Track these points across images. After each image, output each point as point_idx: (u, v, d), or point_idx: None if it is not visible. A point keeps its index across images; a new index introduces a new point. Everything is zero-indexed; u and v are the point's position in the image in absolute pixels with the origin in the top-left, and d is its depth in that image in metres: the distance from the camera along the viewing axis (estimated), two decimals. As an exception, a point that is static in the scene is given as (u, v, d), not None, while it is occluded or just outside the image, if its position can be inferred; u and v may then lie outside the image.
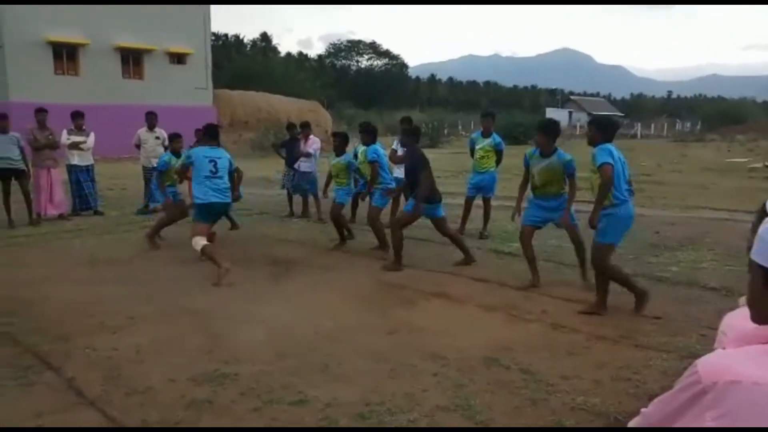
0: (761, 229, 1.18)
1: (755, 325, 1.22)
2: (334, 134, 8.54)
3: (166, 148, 10.93)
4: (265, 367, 3.94)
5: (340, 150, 8.01)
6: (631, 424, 1.35)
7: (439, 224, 6.83)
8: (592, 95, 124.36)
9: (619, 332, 4.63)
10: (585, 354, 4.22)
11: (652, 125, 57.05)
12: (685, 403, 1.19)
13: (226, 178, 6.62)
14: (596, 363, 4.05)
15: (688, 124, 58.77)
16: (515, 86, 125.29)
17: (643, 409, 1.34)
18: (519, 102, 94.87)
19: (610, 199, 4.89)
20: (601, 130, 5.12)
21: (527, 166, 6.01)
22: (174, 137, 8.70)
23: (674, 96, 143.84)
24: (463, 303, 5.42)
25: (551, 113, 69.73)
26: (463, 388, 3.65)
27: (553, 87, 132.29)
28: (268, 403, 3.44)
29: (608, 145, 4.97)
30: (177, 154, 8.35)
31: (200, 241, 6.37)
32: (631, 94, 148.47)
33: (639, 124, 54.44)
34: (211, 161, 6.46)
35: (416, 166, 6.56)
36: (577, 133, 53.37)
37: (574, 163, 5.86)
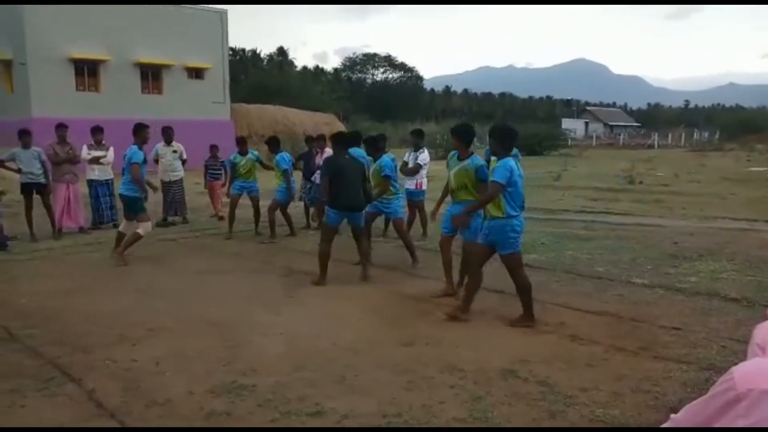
0: None
1: None
2: (362, 141, 8.60)
3: (184, 162, 11.09)
4: (282, 379, 3.96)
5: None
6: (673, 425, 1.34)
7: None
8: (608, 105, 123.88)
9: (638, 344, 4.59)
10: (604, 366, 4.19)
11: (669, 135, 56.62)
12: (718, 410, 1.17)
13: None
14: (615, 375, 4.01)
15: (706, 134, 58.24)
16: (530, 97, 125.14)
17: (672, 415, 1.33)
18: (534, 113, 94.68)
19: (503, 211, 5.01)
20: (502, 139, 5.21)
21: (448, 168, 6.10)
22: (241, 140, 10.22)
23: (691, 105, 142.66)
24: (480, 314, 5.40)
25: (567, 124, 69.56)
26: (481, 400, 3.63)
27: (569, 98, 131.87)
28: (285, 414, 3.45)
29: (510, 161, 5.04)
30: (244, 153, 9.80)
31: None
32: (648, 104, 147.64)
33: (656, 134, 54.05)
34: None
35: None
36: (593, 144, 53.15)
37: (485, 169, 5.82)
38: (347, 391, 3.79)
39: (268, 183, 10.48)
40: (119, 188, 7.83)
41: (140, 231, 7.59)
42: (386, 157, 7.64)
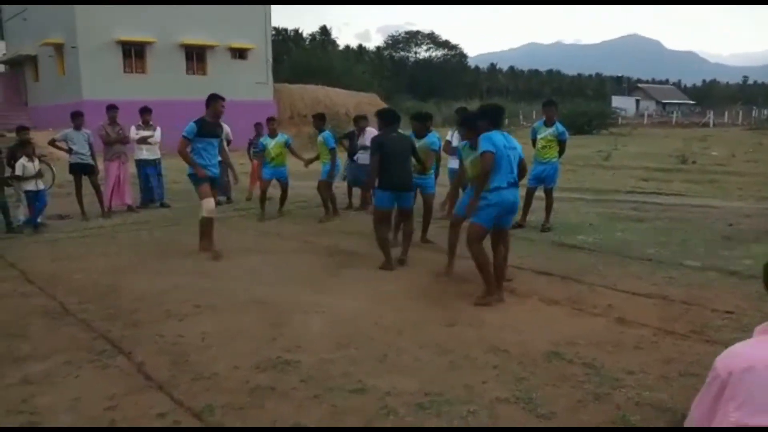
0: None
1: None
2: (412, 117, 8.54)
3: (229, 142, 11.22)
4: (325, 356, 3.99)
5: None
6: (685, 424, 1.37)
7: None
8: (660, 82, 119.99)
9: (688, 327, 4.46)
10: (652, 349, 4.08)
11: (726, 113, 54.50)
12: (712, 401, 1.22)
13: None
14: (664, 358, 3.91)
15: (766, 112, 55.83)
16: (579, 74, 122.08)
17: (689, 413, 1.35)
18: (582, 91, 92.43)
19: (487, 185, 4.98)
20: (486, 117, 5.27)
21: (534, 137, 5.94)
22: (270, 119, 9.86)
23: (750, 82, 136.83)
24: (525, 296, 5.33)
25: (617, 102, 67.64)
26: (524, 381, 3.59)
27: (619, 74, 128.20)
28: (328, 390, 3.49)
29: (490, 134, 5.02)
30: (274, 135, 9.53)
31: None
32: (703, 81, 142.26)
33: (711, 112, 52.09)
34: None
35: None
36: (645, 122, 51.63)
37: (461, 151, 5.81)
38: (389, 369, 3.80)
39: (293, 166, 10.37)
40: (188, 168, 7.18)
41: (204, 213, 7.06)
42: (432, 136, 7.54)
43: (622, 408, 3.25)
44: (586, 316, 4.78)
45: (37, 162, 8.84)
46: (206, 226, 7.09)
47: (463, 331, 4.47)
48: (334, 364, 3.87)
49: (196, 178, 6.99)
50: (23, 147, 8.76)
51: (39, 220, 8.76)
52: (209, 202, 6.98)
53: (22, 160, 8.56)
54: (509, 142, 5.11)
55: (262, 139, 9.78)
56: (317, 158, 9.70)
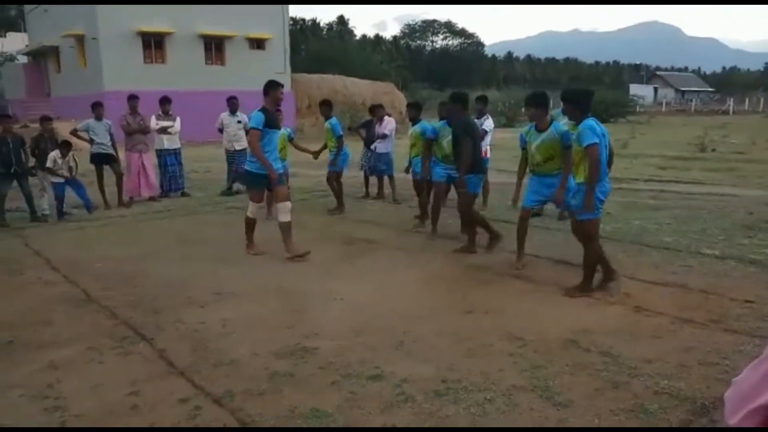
0: None
1: None
2: (409, 105, 8.69)
3: (247, 132, 11.28)
4: (343, 343, 4.04)
5: (414, 119, 8.23)
6: (727, 394, 1.32)
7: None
8: (680, 70, 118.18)
9: (707, 316, 4.44)
10: (670, 337, 4.08)
11: (747, 100, 53.58)
12: None
13: None
14: (682, 347, 3.90)
15: (788, 99, 54.82)
16: (597, 62, 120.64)
17: (734, 379, 1.31)
18: (600, 79, 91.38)
19: (586, 176, 4.76)
20: (575, 103, 4.93)
21: (524, 145, 5.80)
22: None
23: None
24: (542, 285, 5.33)
25: (635, 90, 66.72)
26: (541, 369, 3.61)
27: (638, 62, 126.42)
28: (346, 377, 3.53)
29: (591, 122, 4.79)
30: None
31: None
32: (724, 68, 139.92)
33: (732, 99, 51.25)
34: None
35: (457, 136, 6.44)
36: (663, 110, 50.97)
37: (570, 135, 5.58)
38: (406, 356, 3.83)
39: (296, 156, 10.11)
40: (247, 163, 6.63)
41: (282, 218, 6.39)
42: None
43: (639, 396, 3.25)
44: (603, 305, 4.77)
45: (70, 156, 8.94)
46: (251, 224, 6.74)
47: (480, 319, 4.49)
48: (352, 350, 3.91)
49: (251, 177, 6.46)
50: (50, 139, 8.89)
51: (64, 209, 8.90)
52: (254, 206, 6.60)
53: (54, 154, 8.69)
54: (602, 129, 4.88)
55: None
56: (324, 148, 9.43)
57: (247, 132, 11.05)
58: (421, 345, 4.01)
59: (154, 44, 25.37)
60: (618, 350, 3.85)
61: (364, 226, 8.05)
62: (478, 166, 6.49)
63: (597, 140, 4.68)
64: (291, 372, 3.62)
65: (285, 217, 6.35)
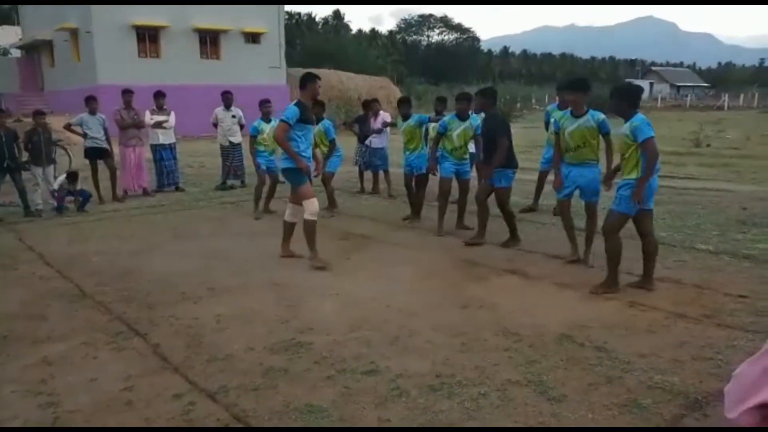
0: None
1: None
2: (399, 101, 8.62)
3: (242, 127, 11.25)
4: (338, 338, 4.04)
5: (406, 114, 8.14)
6: (727, 388, 1.33)
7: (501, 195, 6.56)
8: (675, 65, 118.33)
9: (701, 311, 4.45)
10: (664, 332, 4.09)
11: (741, 96, 53.72)
12: None
13: None
14: (676, 342, 3.91)
15: (782, 94, 54.98)
16: (592, 58, 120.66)
17: (734, 373, 1.31)
18: (596, 74, 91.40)
19: (638, 171, 4.71)
20: (624, 98, 4.90)
21: (558, 129, 5.78)
22: (263, 102, 8.94)
23: (766, 64, 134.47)
24: (537, 280, 5.34)
25: (631, 85, 66.62)
26: (535, 363, 3.61)
27: (634, 57, 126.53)
28: (340, 372, 3.53)
29: (642, 116, 4.76)
30: (267, 119, 8.70)
31: None
32: (719, 64, 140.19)
33: (726, 95, 51.37)
34: None
35: (492, 131, 6.38)
36: (658, 105, 51.04)
37: (608, 122, 5.62)
38: (402, 351, 3.83)
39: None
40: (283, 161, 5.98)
41: (308, 216, 5.84)
42: (476, 119, 7.47)
43: (633, 391, 3.26)
44: (597, 300, 4.79)
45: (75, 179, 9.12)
46: (291, 229, 6.23)
47: (475, 314, 4.50)
48: (347, 345, 3.91)
49: (295, 174, 5.84)
50: (43, 133, 8.91)
51: (63, 204, 8.94)
52: (315, 203, 5.87)
53: (62, 180, 8.97)
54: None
55: (256, 123, 8.61)
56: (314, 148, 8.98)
57: (242, 127, 11.12)
58: (417, 340, 4.01)
59: (148, 38, 25.26)
60: (612, 345, 3.86)
61: (360, 222, 8.04)
62: (513, 161, 6.48)
63: (653, 134, 4.67)
64: (285, 367, 3.62)
65: (309, 215, 5.83)
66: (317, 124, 8.39)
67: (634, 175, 4.75)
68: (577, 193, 5.87)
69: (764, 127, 23.69)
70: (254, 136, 8.56)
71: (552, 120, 5.87)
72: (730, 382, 1.32)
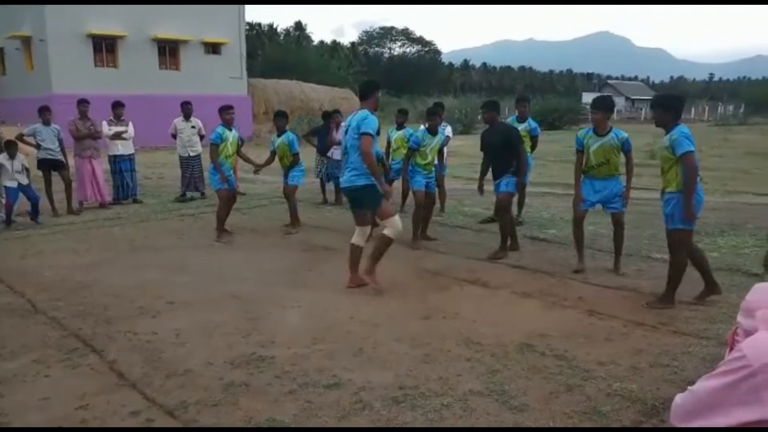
0: None
1: None
2: (399, 111, 9.15)
3: (202, 137, 11.11)
4: (300, 351, 3.99)
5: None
6: (678, 398, 1.36)
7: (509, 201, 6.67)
8: (630, 79, 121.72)
9: (657, 319, 4.56)
10: (622, 340, 4.17)
11: (692, 109, 55.52)
12: (735, 383, 1.21)
13: None
14: (634, 349, 3.99)
15: (731, 108, 57.03)
16: (551, 71, 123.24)
17: (690, 387, 1.34)
18: (554, 87, 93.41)
19: (677, 184, 4.73)
20: (668, 109, 4.88)
21: (581, 147, 5.82)
22: (226, 108, 7.88)
23: (716, 79, 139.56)
24: (498, 289, 5.39)
25: (587, 98, 68.29)
26: (497, 373, 3.64)
27: (590, 71, 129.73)
28: (303, 386, 3.49)
29: (684, 129, 4.76)
30: (230, 126, 7.75)
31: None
32: (671, 78, 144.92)
33: (679, 108, 52.95)
34: None
35: (508, 141, 6.48)
36: (615, 117, 52.34)
37: (630, 141, 5.76)
38: (365, 363, 3.82)
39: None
40: (344, 178, 5.35)
41: (389, 233, 5.30)
42: (410, 130, 7.65)
43: (593, 399, 3.31)
44: (557, 309, 4.86)
45: (21, 157, 8.67)
46: (359, 255, 5.52)
47: (438, 324, 4.51)
48: (309, 358, 3.87)
49: (377, 194, 5.29)
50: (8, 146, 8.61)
51: (12, 219, 8.62)
52: (399, 221, 5.39)
53: (1, 158, 8.41)
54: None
55: (219, 129, 7.65)
56: (268, 164, 8.38)
57: (201, 137, 10.98)
58: (380, 351, 3.99)
59: (105, 47, 24.76)
60: (572, 353, 3.91)
61: (323, 233, 8.00)
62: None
63: (693, 148, 4.65)
64: (246, 382, 3.56)
65: (391, 232, 5.31)
66: (281, 136, 8.28)
67: (673, 188, 4.76)
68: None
69: (715, 139, 24.52)
70: (217, 144, 7.54)
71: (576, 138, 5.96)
72: (685, 394, 1.35)
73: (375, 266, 5.37)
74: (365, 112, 5.27)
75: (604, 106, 5.83)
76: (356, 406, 3.25)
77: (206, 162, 11.62)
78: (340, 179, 5.67)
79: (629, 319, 4.56)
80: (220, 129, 7.61)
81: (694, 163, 4.65)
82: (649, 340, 4.15)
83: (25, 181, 8.62)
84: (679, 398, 1.36)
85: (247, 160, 8.38)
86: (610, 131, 5.76)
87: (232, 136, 7.73)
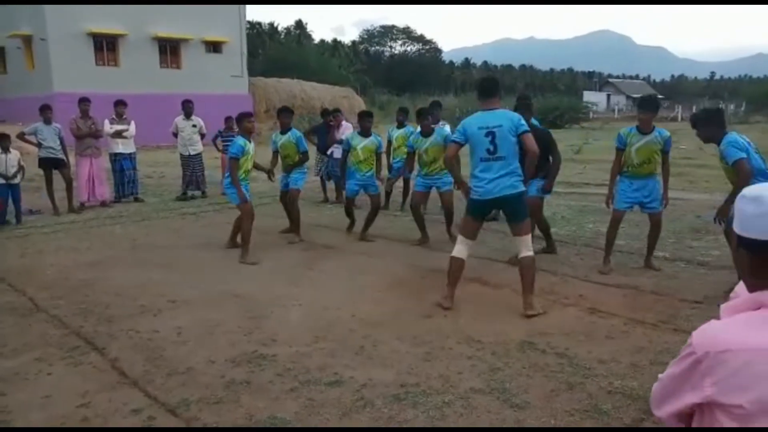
0: (737, 201, 1.31)
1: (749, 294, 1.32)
2: (399, 109, 8.94)
3: (203, 136, 11.10)
4: (302, 349, 4.00)
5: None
6: (654, 386, 1.46)
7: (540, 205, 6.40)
8: (630, 77, 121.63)
9: (658, 317, 4.56)
10: (623, 338, 4.17)
11: (694, 107, 55.43)
12: (685, 372, 1.29)
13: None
14: (635, 347, 3.99)
15: (732, 106, 56.96)
16: (551, 70, 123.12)
17: (660, 375, 1.41)
18: (555, 86, 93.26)
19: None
20: (710, 123, 5.06)
21: (623, 146, 5.79)
22: (246, 116, 6.90)
23: (717, 77, 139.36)
24: (499, 288, 5.39)
25: (588, 96, 68.33)
26: (498, 371, 3.64)
27: (591, 70, 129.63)
28: (304, 383, 3.50)
29: (730, 137, 4.88)
30: (250, 137, 6.83)
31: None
32: (672, 76, 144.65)
33: (680, 107, 52.99)
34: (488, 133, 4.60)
35: (546, 144, 5.98)
36: (616, 116, 52.33)
37: (671, 141, 5.75)
38: (366, 361, 3.82)
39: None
40: (506, 183, 4.63)
41: (529, 252, 4.75)
42: (410, 128, 7.60)
43: (594, 396, 3.32)
44: (558, 307, 4.86)
45: (14, 154, 8.65)
46: (460, 269, 4.92)
47: (439, 322, 4.51)
48: (310, 357, 3.88)
49: (479, 205, 4.84)
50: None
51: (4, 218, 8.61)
52: (467, 243, 4.98)
53: None
54: (743, 140, 4.91)
55: (240, 142, 6.64)
56: (274, 165, 7.83)
57: (202, 136, 10.97)
58: (381, 350, 4.00)
59: (106, 46, 24.77)
60: (573, 351, 3.92)
61: (323, 231, 8.01)
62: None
63: (743, 155, 4.76)
64: (248, 379, 3.57)
65: (532, 251, 4.80)
66: (286, 133, 7.74)
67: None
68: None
69: (715, 137, 24.52)
70: (237, 159, 6.55)
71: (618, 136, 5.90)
72: (657, 382, 1.42)
73: (531, 288, 4.74)
74: (510, 111, 4.81)
75: (652, 106, 5.79)
76: (357, 403, 3.25)
77: (207, 161, 11.72)
78: (488, 187, 4.66)
79: (630, 317, 4.56)
80: (241, 141, 6.62)
81: (746, 169, 4.77)
82: (650, 338, 4.15)
83: (16, 180, 8.61)
84: (654, 386, 1.45)
85: (258, 167, 7.41)
86: (653, 129, 5.72)
87: (252, 148, 6.81)
